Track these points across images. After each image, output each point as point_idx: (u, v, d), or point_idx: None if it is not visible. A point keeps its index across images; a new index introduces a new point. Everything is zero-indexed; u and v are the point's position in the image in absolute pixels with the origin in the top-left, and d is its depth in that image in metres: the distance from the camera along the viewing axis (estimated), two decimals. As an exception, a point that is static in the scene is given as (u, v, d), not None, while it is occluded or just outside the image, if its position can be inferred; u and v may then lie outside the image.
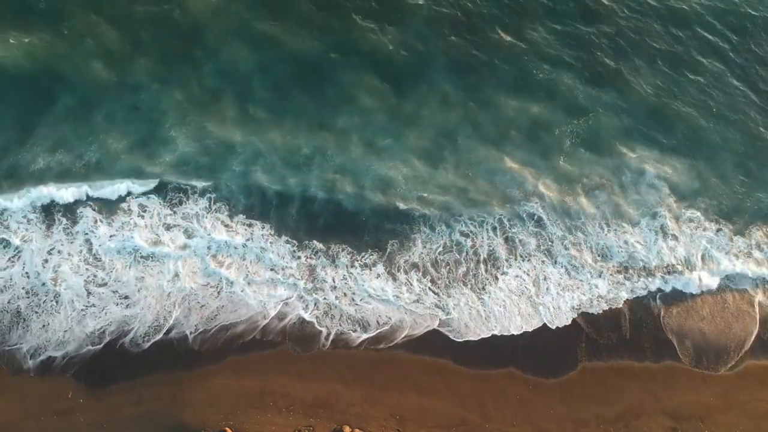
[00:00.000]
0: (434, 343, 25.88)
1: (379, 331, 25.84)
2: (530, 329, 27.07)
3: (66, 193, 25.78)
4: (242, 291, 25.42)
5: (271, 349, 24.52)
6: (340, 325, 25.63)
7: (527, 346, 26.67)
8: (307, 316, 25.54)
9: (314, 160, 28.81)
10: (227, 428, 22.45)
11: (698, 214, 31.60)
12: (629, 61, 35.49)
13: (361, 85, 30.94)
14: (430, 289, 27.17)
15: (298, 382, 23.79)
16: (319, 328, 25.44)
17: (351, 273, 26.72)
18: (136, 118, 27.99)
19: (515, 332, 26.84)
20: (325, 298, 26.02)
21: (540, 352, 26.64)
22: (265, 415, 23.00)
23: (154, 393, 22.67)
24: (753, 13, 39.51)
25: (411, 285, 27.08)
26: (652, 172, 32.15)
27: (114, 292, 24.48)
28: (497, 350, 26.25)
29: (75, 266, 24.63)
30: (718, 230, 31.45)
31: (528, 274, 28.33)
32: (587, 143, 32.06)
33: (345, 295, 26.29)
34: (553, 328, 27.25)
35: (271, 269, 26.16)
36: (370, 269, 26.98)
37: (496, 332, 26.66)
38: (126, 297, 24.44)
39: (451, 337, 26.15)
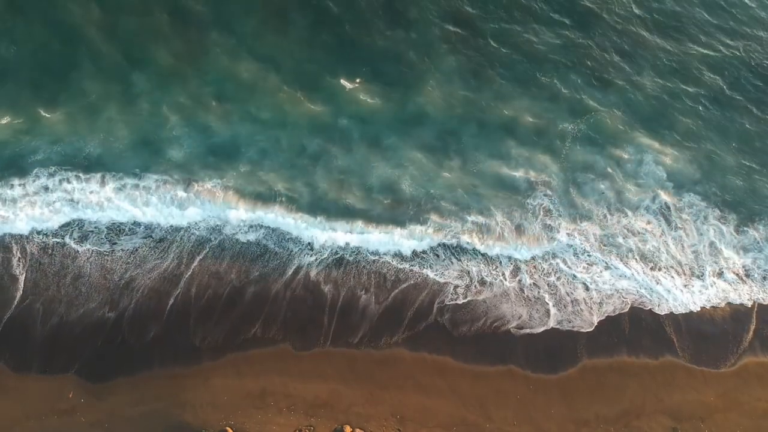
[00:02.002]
0: (435, 340, 25.84)
1: (398, 290, 26.06)
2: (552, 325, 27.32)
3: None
4: (265, 239, 25.90)
5: (271, 346, 24.43)
6: (352, 282, 25.90)
7: (527, 342, 26.67)
8: (313, 274, 25.76)
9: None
10: (228, 428, 22.49)
11: (701, 204, 31.55)
12: (631, 58, 35.21)
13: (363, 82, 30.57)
14: (453, 255, 27.36)
15: (299, 381, 23.77)
16: (324, 288, 25.50)
17: (364, 233, 27.00)
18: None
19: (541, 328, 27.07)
20: (339, 253, 26.48)
21: (540, 348, 26.67)
22: (266, 414, 23.02)
23: (155, 392, 22.64)
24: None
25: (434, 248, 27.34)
26: (653, 163, 32.08)
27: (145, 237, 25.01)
28: (497, 347, 26.25)
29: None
30: (722, 219, 31.41)
31: (540, 271, 28.38)
32: (589, 138, 31.86)
33: (359, 251, 26.61)
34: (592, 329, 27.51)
35: (285, 227, 26.43)
36: (386, 230, 27.24)
37: (511, 326, 26.86)
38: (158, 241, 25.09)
39: (450, 329, 26.19)
